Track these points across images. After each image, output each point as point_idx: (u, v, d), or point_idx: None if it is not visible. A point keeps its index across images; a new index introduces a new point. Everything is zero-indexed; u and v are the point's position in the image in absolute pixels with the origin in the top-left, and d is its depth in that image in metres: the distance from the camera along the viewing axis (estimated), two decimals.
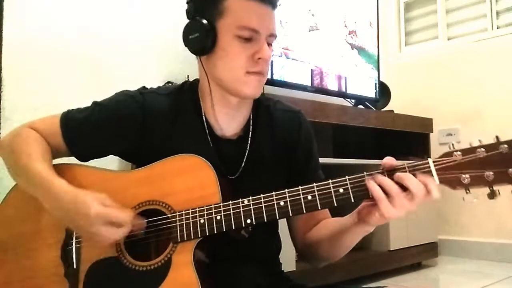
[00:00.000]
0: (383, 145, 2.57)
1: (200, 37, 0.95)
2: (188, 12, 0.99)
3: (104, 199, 0.89)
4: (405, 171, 0.82)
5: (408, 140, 2.56)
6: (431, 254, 2.60)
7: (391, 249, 2.31)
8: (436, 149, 2.70)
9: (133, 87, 1.08)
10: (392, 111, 2.67)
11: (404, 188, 0.81)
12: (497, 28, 2.86)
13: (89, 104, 1.05)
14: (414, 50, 3.23)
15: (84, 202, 0.87)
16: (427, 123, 2.67)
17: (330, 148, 2.30)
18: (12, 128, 1.06)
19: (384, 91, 2.75)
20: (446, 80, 2.98)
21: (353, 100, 2.65)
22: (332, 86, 2.42)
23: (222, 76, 0.97)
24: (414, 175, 0.81)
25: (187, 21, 1.00)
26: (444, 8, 3.09)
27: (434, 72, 3.04)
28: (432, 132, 2.68)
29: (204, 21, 0.95)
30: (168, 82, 1.95)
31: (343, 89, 2.48)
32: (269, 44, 0.97)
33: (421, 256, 2.53)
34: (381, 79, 2.73)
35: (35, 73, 1.72)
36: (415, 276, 2.40)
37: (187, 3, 1.00)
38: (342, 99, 2.62)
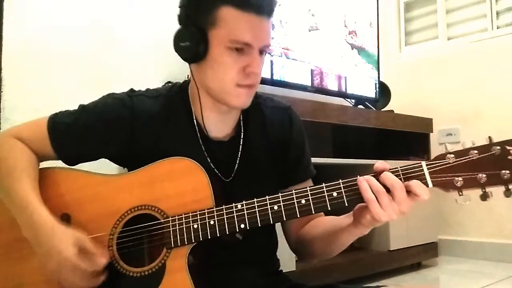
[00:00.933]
0: (383, 145, 2.57)
1: (191, 46, 0.93)
2: (180, 17, 0.97)
3: (82, 241, 0.87)
4: (398, 175, 0.82)
5: (408, 140, 2.56)
6: (431, 254, 2.60)
7: (391, 249, 2.31)
8: (436, 149, 2.68)
9: (133, 87, 1.08)
10: (392, 111, 2.67)
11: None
12: (497, 28, 2.86)
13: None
14: (414, 50, 3.23)
15: (59, 242, 0.86)
16: (427, 123, 2.67)
17: (330, 148, 2.30)
18: None
19: (384, 91, 2.75)
20: (446, 80, 2.98)
21: (353, 100, 2.65)
22: (332, 86, 2.42)
23: (212, 86, 0.96)
24: (407, 178, 0.81)
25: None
26: (444, 8, 3.08)
27: (434, 72, 3.04)
28: (432, 132, 2.67)
29: (196, 30, 0.92)
30: (168, 82, 1.95)
31: (343, 89, 2.48)
32: (263, 52, 0.95)
33: (421, 256, 2.53)
34: (381, 79, 2.73)
35: (35, 73, 1.72)
36: (415, 276, 2.39)
37: (179, 7, 0.97)
38: (342, 99, 2.62)
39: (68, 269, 0.85)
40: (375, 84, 2.67)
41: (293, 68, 2.21)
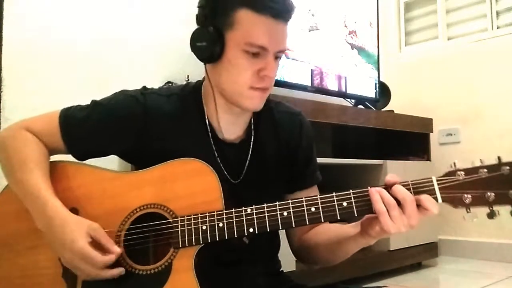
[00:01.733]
0: (383, 145, 2.57)
1: (207, 46, 0.93)
2: (198, 18, 0.97)
3: (95, 231, 0.87)
4: (409, 188, 0.83)
5: (408, 140, 2.56)
6: (431, 254, 2.60)
7: (391, 249, 2.31)
8: (436, 149, 2.70)
9: (133, 87, 1.08)
10: (392, 111, 2.67)
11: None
12: (497, 28, 2.86)
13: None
14: (414, 50, 3.23)
15: (72, 231, 0.86)
16: (427, 123, 2.67)
17: (330, 148, 2.30)
18: None
19: (384, 91, 2.75)
20: (446, 80, 2.98)
21: (353, 100, 2.65)
22: (332, 86, 2.42)
23: (226, 87, 0.96)
24: (417, 193, 0.82)
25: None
26: (444, 8, 3.09)
27: (434, 72, 3.04)
28: (432, 132, 2.67)
29: (213, 31, 0.93)
30: (168, 82, 1.95)
31: (343, 89, 2.48)
32: (277, 57, 0.95)
33: (421, 256, 2.53)
34: (381, 79, 2.73)
35: (35, 73, 1.73)
36: (415, 276, 2.40)
37: (198, 7, 0.97)
38: (342, 99, 2.62)
39: (81, 258, 0.85)
40: (375, 84, 2.67)
41: (293, 68, 2.20)
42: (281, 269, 1.12)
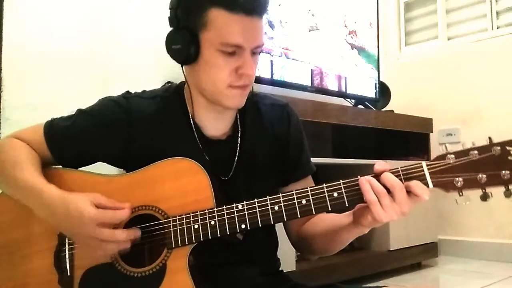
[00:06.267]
0: (383, 145, 2.57)
1: (183, 49, 0.93)
2: (170, 20, 0.96)
3: (97, 198, 0.87)
4: (399, 175, 0.82)
5: (408, 140, 2.56)
6: (431, 254, 2.60)
7: (391, 249, 2.31)
8: (436, 149, 2.69)
9: (133, 87, 1.08)
10: (392, 111, 2.67)
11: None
12: (497, 28, 2.86)
13: (87, 105, 1.04)
14: (414, 50, 3.23)
15: (76, 205, 0.86)
16: (427, 123, 2.67)
17: (330, 148, 2.30)
18: (12, 128, 1.05)
19: (384, 91, 2.75)
20: (446, 80, 2.98)
21: (353, 100, 2.65)
22: (332, 86, 2.42)
23: (205, 87, 0.96)
24: (407, 179, 0.81)
25: None
26: (444, 8, 3.09)
27: (434, 72, 3.04)
28: (432, 132, 2.68)
29: (187, 32, 0.92)
30: (168, 82, 1.94)
31: (343, 89, 2.48)
32: (255, 53, 0.94)
33: (421, 256, 2.53)
34: (381, 79, 2.73)
35: (35, 73, 1.72)
36: (415, 276, 2.40)
37: (169, 9, 0.97)
38: (342, 99, 2.62)
39: (94, 228, 0.84)
40: (375, 84, 2.67)
41: (293, 68, 2.21)
42: (280, 269, 1.12)
